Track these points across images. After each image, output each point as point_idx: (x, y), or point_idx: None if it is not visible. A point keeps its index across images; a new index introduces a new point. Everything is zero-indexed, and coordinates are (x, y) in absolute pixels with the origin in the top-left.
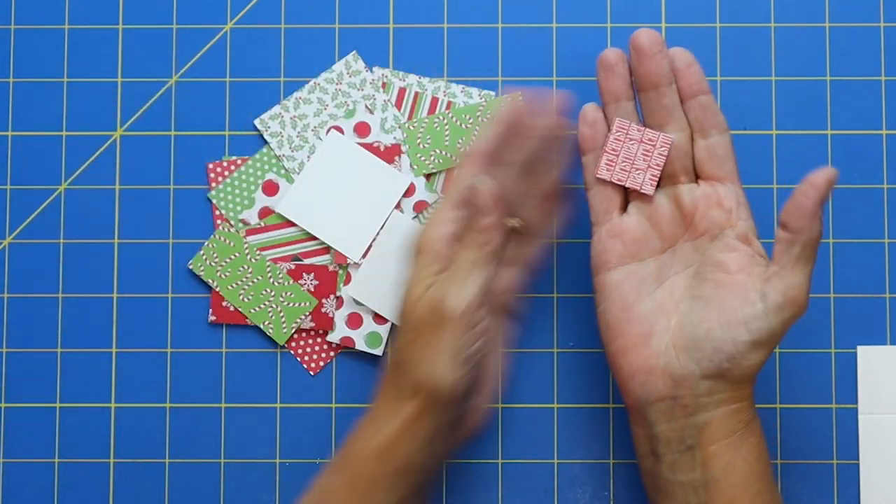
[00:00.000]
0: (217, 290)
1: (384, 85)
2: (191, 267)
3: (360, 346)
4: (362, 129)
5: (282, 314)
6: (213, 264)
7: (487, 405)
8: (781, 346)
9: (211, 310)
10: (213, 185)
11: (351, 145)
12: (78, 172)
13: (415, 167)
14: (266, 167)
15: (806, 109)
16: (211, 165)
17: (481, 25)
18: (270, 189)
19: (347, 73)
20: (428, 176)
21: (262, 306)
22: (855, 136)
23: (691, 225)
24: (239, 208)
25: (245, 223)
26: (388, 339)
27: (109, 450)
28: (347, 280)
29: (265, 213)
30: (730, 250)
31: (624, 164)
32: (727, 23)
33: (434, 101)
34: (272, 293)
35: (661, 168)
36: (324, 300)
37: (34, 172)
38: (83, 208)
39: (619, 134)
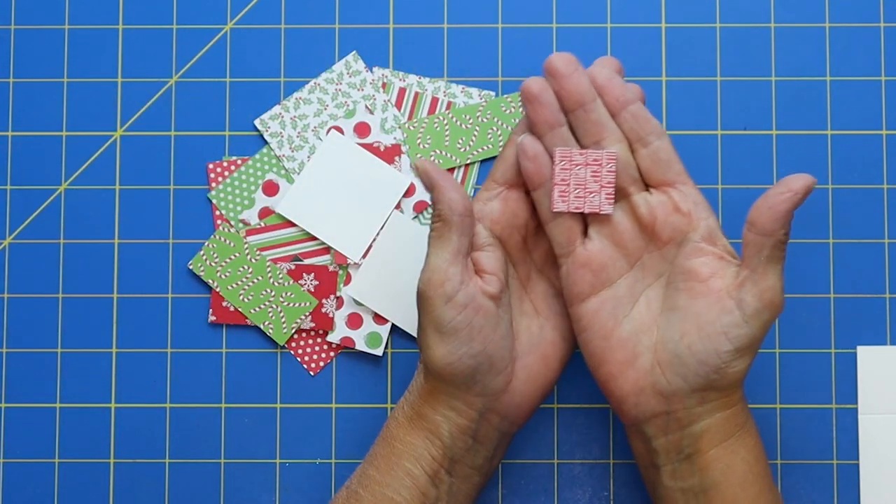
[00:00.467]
0: (217, 290)
1: (384, 85)
2: (191, 267)
3: (360, 346)
4: (362, 130)
5: (282, 314)
6: (213, 264)
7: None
8: (781, 346)
9: (211, 310)
10: (213, 185)
11: (351, 145)
12: (78, 172)
13: (415, 167)
14: (266, 167)
15: (806, 109)
16: (211, 165)
17: (481, 25)
18: (270, 189)
19: (347, 74)
20: None
21: (262, 306)
22: (855, 136)
23: (654, 235)
24: (239, 208)
25: (245, 223)
26: (388, 340)
27: (109, 450)
28: (347, 280)
29: (265, 213)
30: (697, 255)
31: (577, 190)
32: (727, 23)
33: (434, 101)
34: (272, 293)
35: (613, 185)
36: (324, 300)
37: (34, 172)
38: (83, 208)
39: (563, 163)
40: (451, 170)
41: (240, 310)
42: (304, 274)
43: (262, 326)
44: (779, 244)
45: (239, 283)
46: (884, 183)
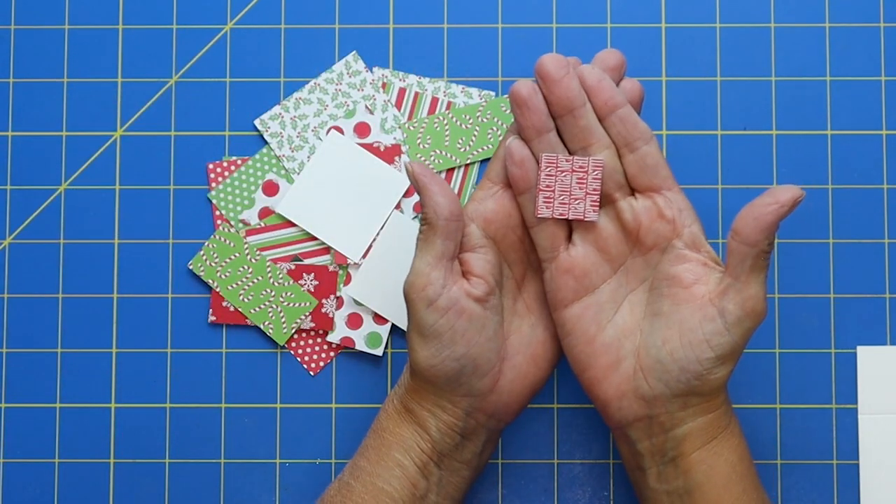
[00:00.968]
0: (217, 290)
1: (384, 85)
2: (191, 267)
3: (360, 346)
4: (362, 130)
5: (282, 314)
6: (213, 264)
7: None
8: (781, 347)
9: (211, 310)
10: (213, 185)
11: (351, 145)
12: (78, 172)
13: None
14: (266, 167)
15: (806, 109)
16: (211, 165)
17: (481, 25)
18: (270, 189)
19: (347, 74)
20: None
21: (262, 306)
22: (855, 136)
23: (638, 241)
24: (239, 208)
25: (245, 223)
26: (388, 340)
27: (109, 450)
28: (347, 280)
29: (265, 213)
30: (681, 261)
31: (561, 197)
32: (727, 23)
33: (434, 101)
34: (272, 293)
35: (598, 192)
36: (324, 300)
37: (34, 172)
38: (83, 208)
39: (549, 169)
40: (451, 170)
41: (240, 310)
42: (304, 274)
43: (262, 326)
44: (762, 254)
45: (239, 283)
46: (884, 183)
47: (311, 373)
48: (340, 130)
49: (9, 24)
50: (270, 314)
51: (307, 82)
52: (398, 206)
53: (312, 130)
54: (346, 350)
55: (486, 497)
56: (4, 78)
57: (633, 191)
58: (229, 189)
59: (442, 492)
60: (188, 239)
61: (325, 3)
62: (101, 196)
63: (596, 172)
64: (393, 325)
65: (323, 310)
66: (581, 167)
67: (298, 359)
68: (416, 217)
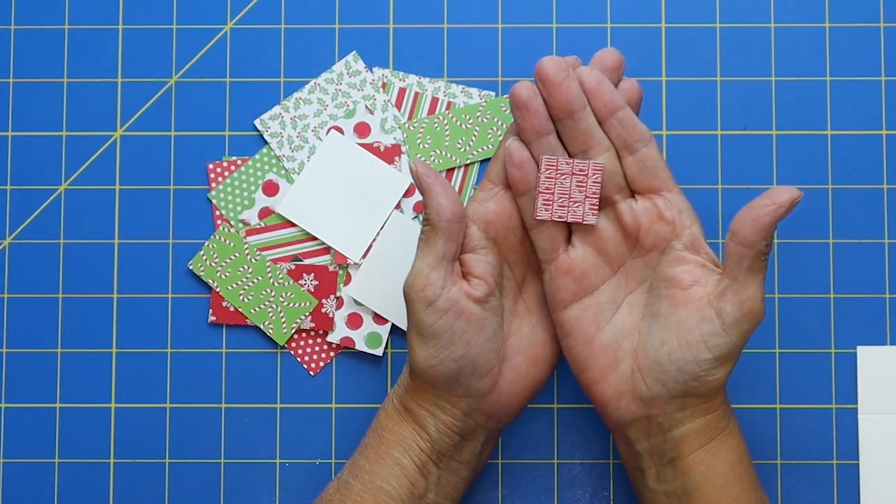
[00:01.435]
0: (217, 290)
1: (384, 85)
2: (191, 267)
3: (360, 346)
4: (362, 130)
5: (282, 314)
6: (213, 264)
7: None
8: (781, 347)
9: (211, 310)
10: (213, 185)
11: (351, 145)
12: (78, 172)
13: None
14: (266, 167)
15: (806, 109)
16: (211, 165)
17: (481, 25)
18: (270, 189)
19: (347, 74)
20: None
21: (262, 306)
22: (855, 136)
23: (637, 242)
24: (239, 208)
25: (245, 223)
26: (388, 340)
27: (109, 450)
28: (347, 280)
29: (265, 213)
30: (680, 263)
31: (561, 199)
32: (727, 23)
33: (434, 101)
34: (272, 293)
35: (598, 196)
36: (324, 300)
37: (34, 172)
38: (83, 208)
39: (549, 171)
40: (451, 170)
41: (240, 310)
42: (304, 274)
43: (262, 326)
44: (760, 255)
45: (239, 283)
46: (884, 183)
47: (311, 373)
48: (340, 130)
49: (9, 24)
50: (270, 314)
51: (307, 82)
52: (398, 206)
53: (312, 130)
54: (346, 350)
55: (486, 497)
56: (4, 78)
57: (632, 192)
58: (229, 189)
59: (441, 491)
60: (188, 239)
61: (325, 3)
62: (101, 196)
63: (596, 176)
64: (393, 325)
65: (323, 310)
66: (581, 170)
67: (298, 359)
68: (416, 217)
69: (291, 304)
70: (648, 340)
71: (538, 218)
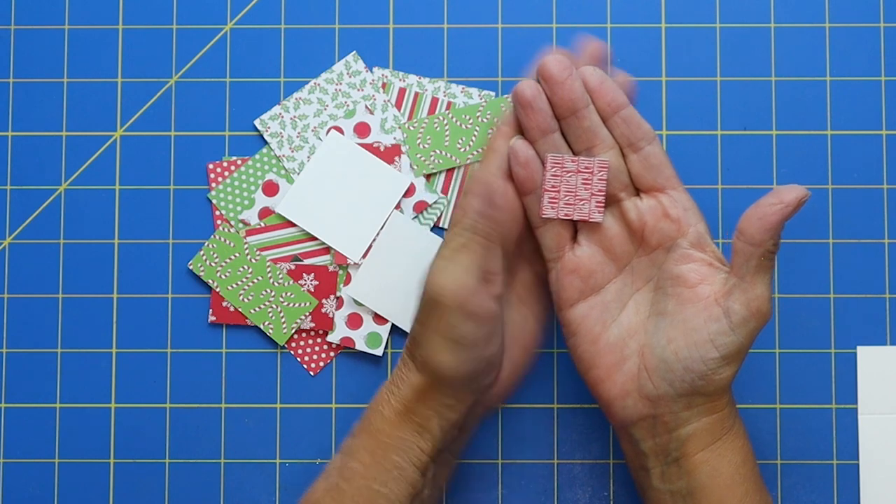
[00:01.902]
0: (217, 290)
1: (384, 85)
2: (191, 267)
3: (360, 346)
4: (362, 130)
5: (282, 314)
6: (213, 264)
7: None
8: (781, 347)
9: (211, 310)
10: (213, 185)
11: (351, 145)
12: (78, 172)
13: (415, 167)
14: (266, 167)
15: (806, 109)
16: (211, 166)
17: (481, 25)
18: (270, 189)
19: (347, 74)
20: (428, 176)
21: (262, 306)
22: (855, 136)
23: (643, 241)
24: (239, 208)
25: (245, 223)
26: (388, 340)
27: (109, 450)
28: (347, 280)
29: (265, 213)
30: (686, 261)
31: (567, 198)
32: (727, 23)
33: (434, 101)
34: (272, 293)
35: (604, 193)
36: (324, 300)
37: (34, 172)
38: (83, 208)
39: (554, 169)
40: (451, 170)
41: (240, 310)
42: (304, 274)
43: (262, 326)
44: (767, 254)
45: (239, 283)
46: (884, 183)
47: (311, 373)
48: (340, 130)
49: (9, 24)
50: (270, 314)
51: (307, 82)
52: (398, 206)
53: (312, 130)
54: (346, 350)
55: (486, 497)
56: (4, 78)
57: (637, 191)
58: (229, 189)
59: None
60: (188, 239)
61: (325, 3)
62: (101, 196)
63: (601, 173)
64: (393, 325)
65: (323, 310)
66: (587, 168)
67: (298, 359)
68: (415, 217)
69: (291, 304)
70: (655, 339)
71: (544, 216)
